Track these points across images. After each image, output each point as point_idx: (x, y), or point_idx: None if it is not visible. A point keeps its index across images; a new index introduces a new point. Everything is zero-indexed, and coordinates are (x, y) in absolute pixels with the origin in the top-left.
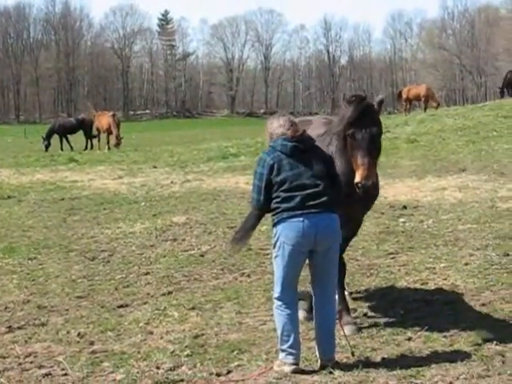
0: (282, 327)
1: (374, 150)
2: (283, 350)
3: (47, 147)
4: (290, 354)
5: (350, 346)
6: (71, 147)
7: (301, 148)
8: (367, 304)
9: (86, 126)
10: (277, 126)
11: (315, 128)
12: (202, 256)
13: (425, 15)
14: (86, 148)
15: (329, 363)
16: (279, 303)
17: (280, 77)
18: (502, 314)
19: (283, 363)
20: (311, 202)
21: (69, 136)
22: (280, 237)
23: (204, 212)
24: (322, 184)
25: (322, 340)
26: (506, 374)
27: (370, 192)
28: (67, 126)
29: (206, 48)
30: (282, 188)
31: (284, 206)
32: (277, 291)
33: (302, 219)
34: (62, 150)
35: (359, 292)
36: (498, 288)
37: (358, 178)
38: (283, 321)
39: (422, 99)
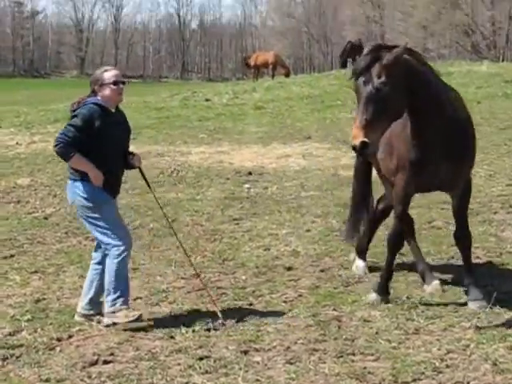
0: None
1: (370, 105)
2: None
3: None
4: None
5: (219, 311)
6: None
7: None
8: (210, 269)
9: None
10: None
11: None
12: (45, 219)
13: None
14: None
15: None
16: None
17: (130, 39)
18: (339, 279)
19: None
20: None
21: None
22: None
23: (49, 174)
24: None
25: None
26: (342, 339)
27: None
28: None
29: (56, 7)
30: None
31: None
32: None
33: None
34: None
35: (204, 257)
36: (338, 255)
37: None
38: None
39: (270, 66)
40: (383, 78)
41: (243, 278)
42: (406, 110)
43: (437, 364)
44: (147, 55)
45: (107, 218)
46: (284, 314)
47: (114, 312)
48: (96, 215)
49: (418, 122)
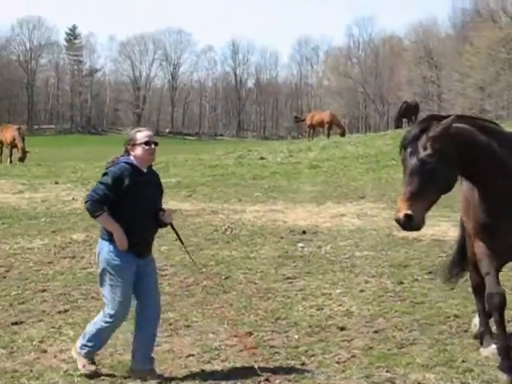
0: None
1: (415, 177)
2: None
3: None
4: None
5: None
6: None
7: None
8: (263, 328)
9: None
10: None
11: None
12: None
13: (331, 42)
14: None
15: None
16: None
17: (187, 97)
18: (393, 341)
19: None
20: None
21: None
22: None
23: None
24: None
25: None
26: None
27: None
28: None
29: (114, 65)
30: None
31: None
32: None
33: None
34: None
35: (257, 315)
36: (391, 315)
37: None
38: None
39: (326, 125)
40: (429, 151)
41: (296, 337)
42: (462, 178)
43: None
44: (203, 113)
45: (117, 286)
46: (337, 374)
47: (79, 353)
48: (107, 279)
49: (483, 189)
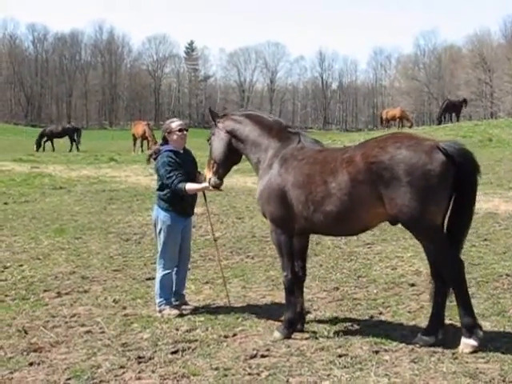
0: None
1: (211, 152)
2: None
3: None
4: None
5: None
6: (53, 148)
7: None
8: (347, 284)
9: (70, 133)
10: None
11: None
12: (215, 240)
13: (401, 51)
14: (71, 150)
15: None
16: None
17: (282, 97)
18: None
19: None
20: None
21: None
22: None
23: (218, 205)
24: None
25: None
26: (458, 343)
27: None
28: (54, 132)
29: (223, 72)
30: None
31: None
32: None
33: None
34: (53, 150)
35: (342, 274)
36: None
37: None
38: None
39: (397, 119)
40: (212, 133)
41: (374, 291)
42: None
43: None
44: (296, 110)
45: (166, 241)
46: (408, 321)
47: (160, 311)
48: (162, 236)
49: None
